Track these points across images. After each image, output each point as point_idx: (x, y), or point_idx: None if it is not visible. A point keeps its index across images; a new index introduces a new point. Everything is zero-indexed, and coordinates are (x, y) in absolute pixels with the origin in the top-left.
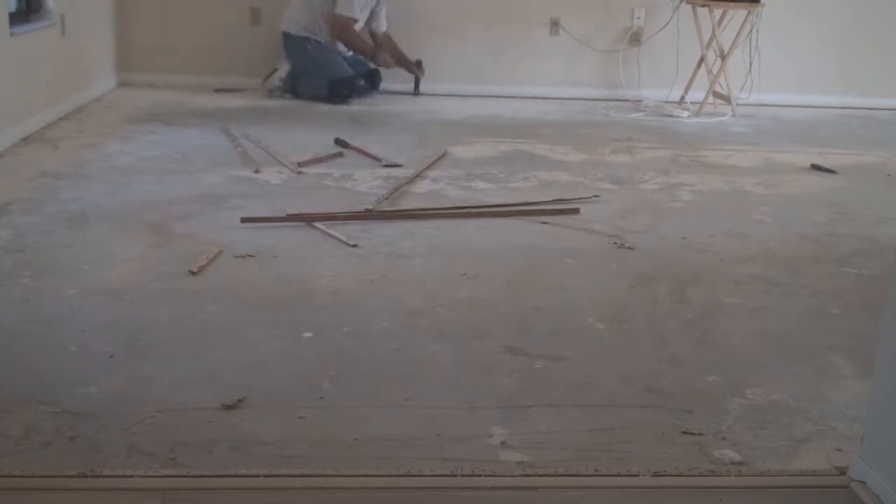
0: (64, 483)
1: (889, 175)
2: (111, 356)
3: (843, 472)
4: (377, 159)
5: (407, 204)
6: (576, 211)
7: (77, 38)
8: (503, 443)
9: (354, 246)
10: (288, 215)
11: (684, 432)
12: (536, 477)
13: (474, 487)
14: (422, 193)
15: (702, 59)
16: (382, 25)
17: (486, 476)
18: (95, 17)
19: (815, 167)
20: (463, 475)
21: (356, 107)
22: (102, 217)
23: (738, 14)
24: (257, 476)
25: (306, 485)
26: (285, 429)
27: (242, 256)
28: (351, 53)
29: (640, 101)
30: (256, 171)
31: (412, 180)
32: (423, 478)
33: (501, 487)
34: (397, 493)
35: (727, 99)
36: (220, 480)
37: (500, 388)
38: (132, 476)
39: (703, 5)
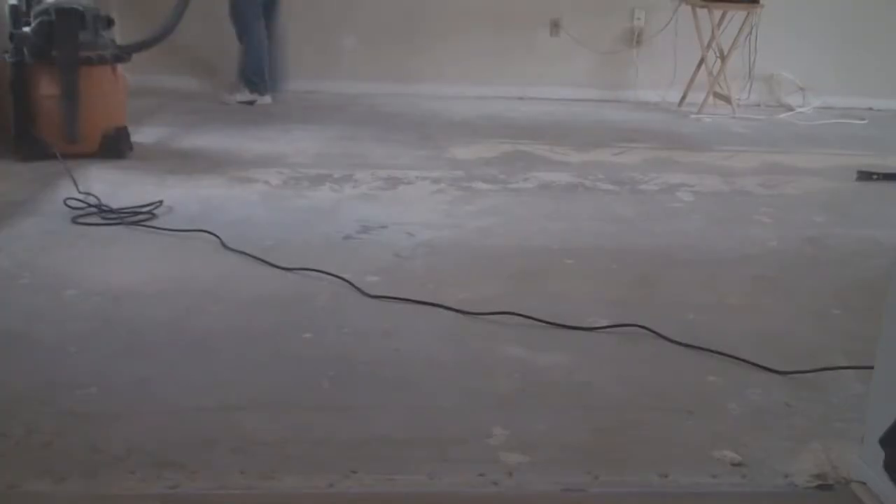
0: (64, 483)
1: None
2: (111, 356)
3: (843, 472)
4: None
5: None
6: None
7: None
8: (503, 443)
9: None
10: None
11: (685, 433)
12: (536, 477)
13: (475, 488)
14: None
15: (702, 60)
16: None
17: (486, 477)
18: None
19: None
20: (463, 477)
21: (358, 106)
22: (103, 216)
23: (737, 15)
24: (257, 477)
25: (306, 486)
26: (285, 429)
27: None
28: None
29: (640, 101)
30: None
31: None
32: (424, 479)
33: (501, 488)
34: (397, 494)
35: (727, 99)
36: (220, 482)
37: (500, 388)
38: (132, 477)
39: (702, 6)
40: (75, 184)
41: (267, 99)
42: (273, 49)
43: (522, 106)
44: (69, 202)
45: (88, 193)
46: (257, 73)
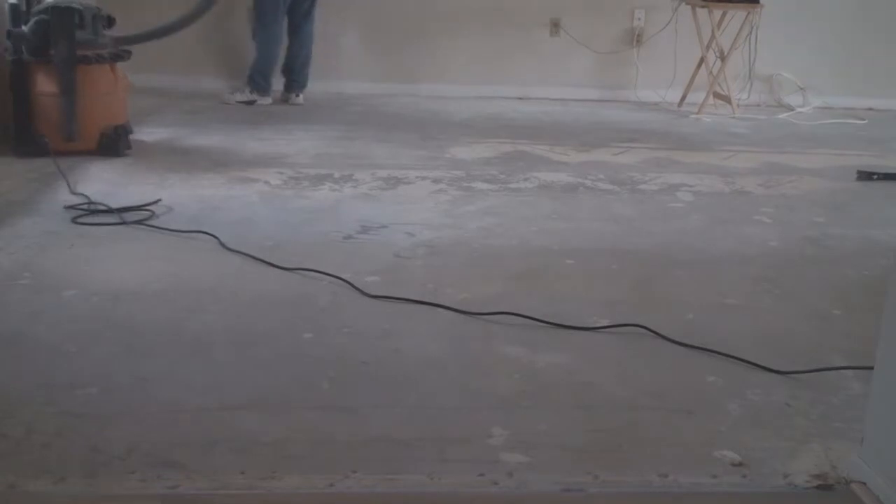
0: (64, 483)
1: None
2: (111, 356)
3: (843, 472)
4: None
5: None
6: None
7: None
8: (503, 443)
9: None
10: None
11: (685, 433)
12: (536, 477)
13: (475, 488)
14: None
15: (702, 60)
16: None
17: (486, 477)
18: None
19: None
20: (463, 477)
21: (358, 107)
22: (103, 216)
23: (737, 15)
24: (257, 477)
25: (306, 486)
26: (285, 429)
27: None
28: None
29: (640, 101)
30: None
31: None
32: (424, 479)
33: (501, 488)
34: (397, 494)
35: (727, 99)
36: (220, 482)
37: (500, 388)
38: (132, 477)
39: (702, 6)
40: (68, 184)
41: (267, 100)
42: (297, 49)
43: (522, 106)
44: (69, 202)
45: (82, 195)
46: (262, 74)
